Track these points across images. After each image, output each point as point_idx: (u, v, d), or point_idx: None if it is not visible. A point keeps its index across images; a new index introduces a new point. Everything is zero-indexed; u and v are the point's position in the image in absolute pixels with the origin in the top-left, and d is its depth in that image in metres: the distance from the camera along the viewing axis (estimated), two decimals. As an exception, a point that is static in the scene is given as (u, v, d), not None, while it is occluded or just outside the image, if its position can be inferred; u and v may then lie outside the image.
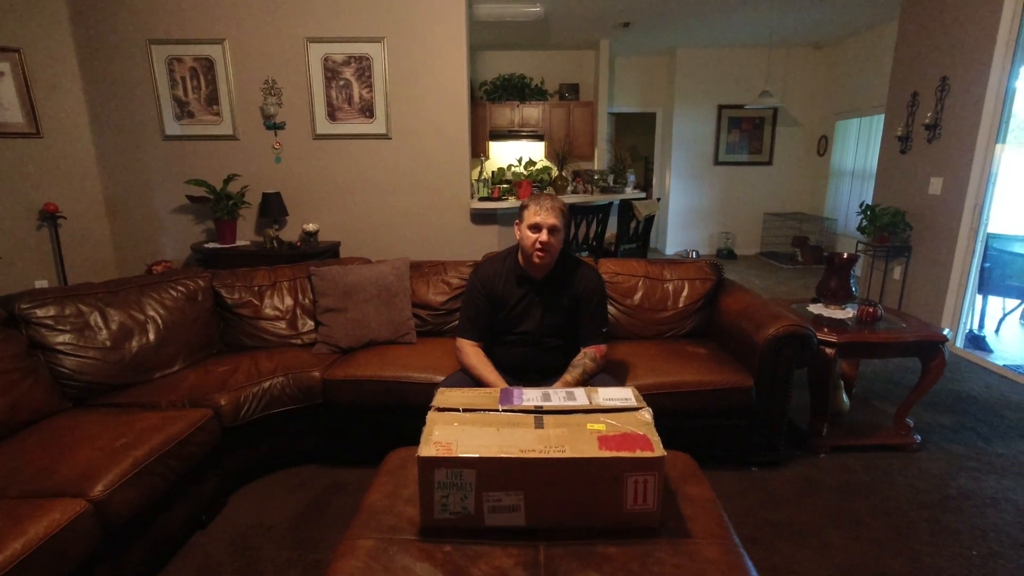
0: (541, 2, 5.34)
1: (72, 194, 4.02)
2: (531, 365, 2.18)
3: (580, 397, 1.57)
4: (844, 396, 2.86)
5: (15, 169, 3.80)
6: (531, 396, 1.57)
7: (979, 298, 4.18)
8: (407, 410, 2.30)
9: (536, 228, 2.02)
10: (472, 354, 2.13)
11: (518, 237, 2.11)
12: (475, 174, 5.43)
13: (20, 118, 3.81)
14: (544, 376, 2.17)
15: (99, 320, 2.29)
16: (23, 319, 2.10)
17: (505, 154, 7.77)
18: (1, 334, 1.97)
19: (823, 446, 2.57)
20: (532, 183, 5.02)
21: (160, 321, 2.47)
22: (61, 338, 2.16)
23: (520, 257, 2.15)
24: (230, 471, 2.22)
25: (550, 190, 5.51)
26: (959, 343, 3.99)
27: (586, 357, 2.11)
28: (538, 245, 2.01)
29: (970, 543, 1.98)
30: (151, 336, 2.41)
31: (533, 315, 2.15)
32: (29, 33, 3.76)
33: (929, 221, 4.18)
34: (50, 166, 3.93)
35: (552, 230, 2.01)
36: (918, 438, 2.63)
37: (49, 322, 2.16)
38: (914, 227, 4.33)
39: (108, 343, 2.27)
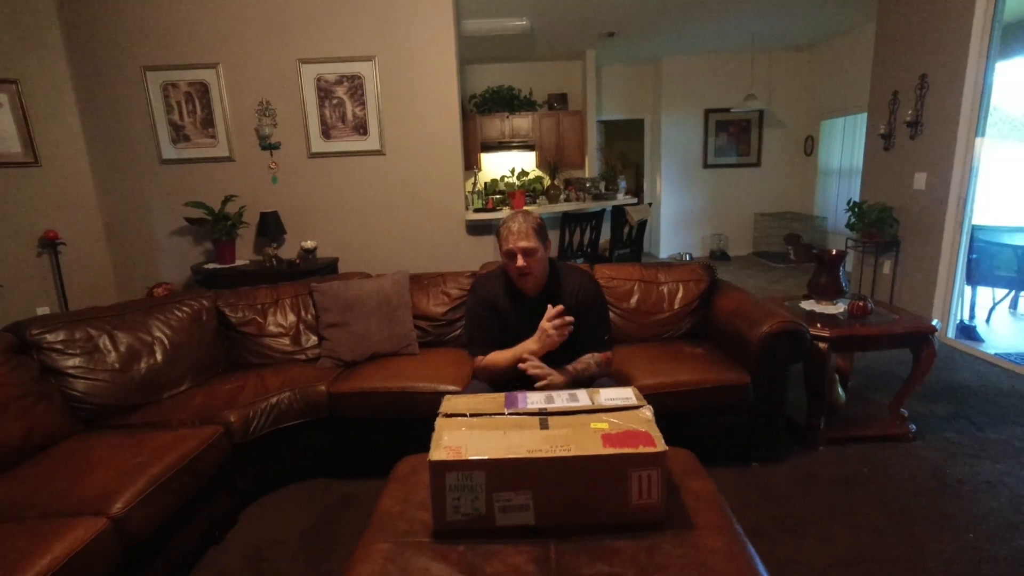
0: (527, 16, 5.45)
1: (72, 220, 4.06)
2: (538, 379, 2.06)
3: (583, 398, 1.62)
4: (840, 390, 2.92)
5: (14, 198, 3.84)
6: (535, 399, 1.62)
7: (968, 289, 4.27)
8: (412, 420, 2.34)
9: (511, 255, 2.00)
10: (488, 363, 2.09)
11: (502, 260, 2.11)
12: (468, 186, 5.50)
13: (18, 148, 3.86)
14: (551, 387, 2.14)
15: (108, 343, 2.33)
16: (34, 345, 2.15)
17: (497, 165, 7.85)
18: (14, 360, 2.01)
19: (821, 440, 2.63)
20: (525, 193, 5.10)
21: (167, 342, 2.51)
22: (71, 362, 2.21)
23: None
24: (240, 487, 2.26)
25: (542, 199, 5.59)
26: (950, 334, 4.07)
27: (592, 359, 2.07)
28: (516, 272, 2.01)
29: (967, 527, 2.03)
30: (159, 357, 2.45)
31: (531, 330, 2.04)
32: (26, 64, 3.81)
33: (915, 216, 4.27)
34: (49, 194, 3.97)
35: (526, 252, 1.98)
36: (913, 428, 2.69)
37: (59, 347, 2.20)
38: (901, 222, 4.42)
39: (117, 365, 2.32)
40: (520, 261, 1.98)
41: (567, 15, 5.50)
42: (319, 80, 4.14)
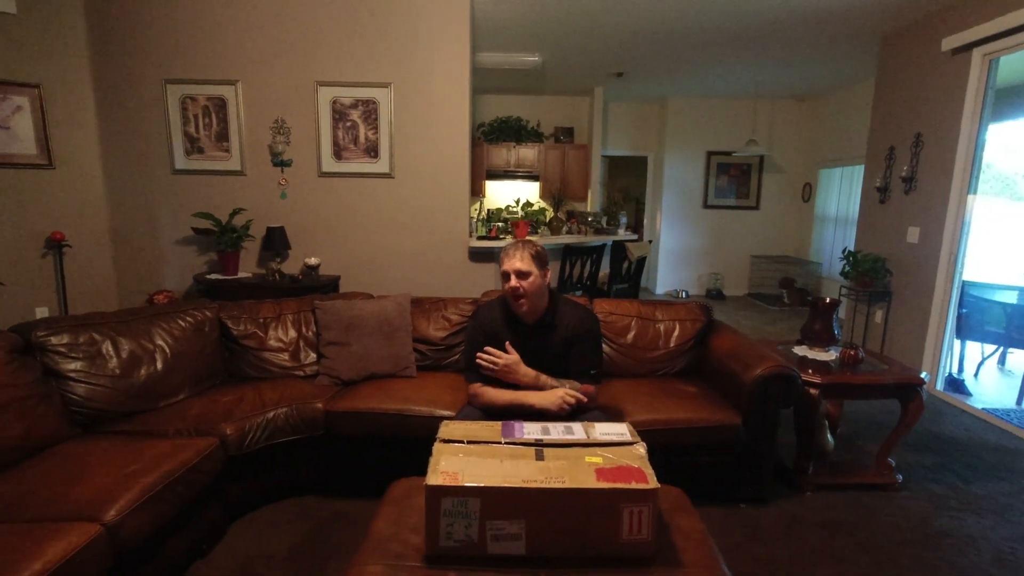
0: (540, 52, 5.62)
1: (79, 223, 4.12)
2: (532, 408, 2.13)
3: (578, 431, 1.66)
4: (829, 436, 2.95)
5: (26, 199, 3.89)
6: (531, 430, 1.66)
7: (958, 343, 4.34)
8: (407, 442, 2.37)
9: (506, 276, 2.11)
10: (481, 393, 2.17)
11: (502, 283, 2.20)
12: (473, 212, 5.59)
13: (34, 150, 3.93)
14: (545, 419, 2.17)
15: (110, 348, 2.36)
16: (38, 346, 2.17)
17: (501, 193, 7.97)
18: (18, 361, 2.03)
19: (809, 484, 2.65)
20: (528, 223, 5.18)
21: (168, 351, 2.53)
22: (73, 365, 2.23)
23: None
24: (231, 500, 2.26)
25: (544, 230, 5.68)
26: (939, 386, 4.12)
27: (570, 385, 2.13)
28: (509, 291, 2.11)
29: (950, 581, 2.05)
30: (159, 365, 2.48)
31: (526, 358, 2.15)
32: (49, 70, 3.91)
33: (908, 268, 4.36)
34: (60, 196, 4.03)
35: (519, 274, 2.08)
36: (900, 477, 2.72)
37: (63, 350, 2.22)
38: (894, 273, 4.51)
39: (118, 371, 2.34)
40: (514, 281, 2.09)
41: (579, 55, 5.68)
42: (335, 102, 4.25)
